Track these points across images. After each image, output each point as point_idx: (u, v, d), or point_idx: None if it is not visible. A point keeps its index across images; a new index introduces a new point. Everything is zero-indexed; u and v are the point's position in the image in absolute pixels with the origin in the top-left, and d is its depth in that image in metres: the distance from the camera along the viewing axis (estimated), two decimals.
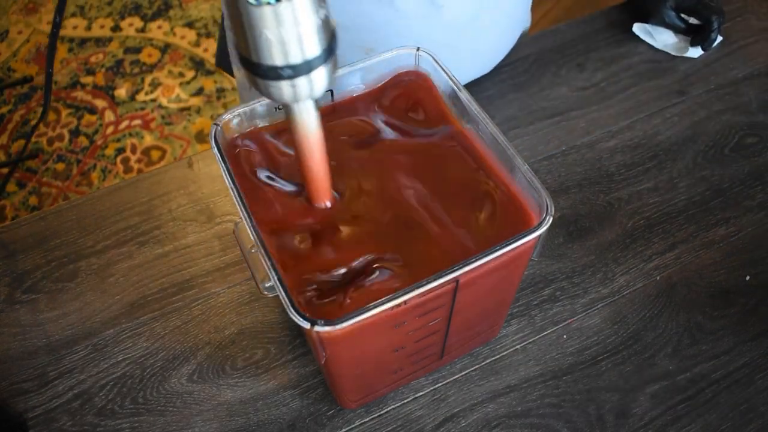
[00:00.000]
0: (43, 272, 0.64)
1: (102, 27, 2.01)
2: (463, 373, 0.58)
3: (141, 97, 1.84)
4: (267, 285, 0.41)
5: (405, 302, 0.39)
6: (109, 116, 1.81)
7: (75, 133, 1.78)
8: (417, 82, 0.52)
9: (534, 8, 0.79)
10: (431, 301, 0.42)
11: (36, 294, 0.62)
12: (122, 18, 2.03)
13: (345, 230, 0.44)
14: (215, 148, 0.45)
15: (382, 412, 0.56)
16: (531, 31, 0.84)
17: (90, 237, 0.66)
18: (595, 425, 0.55)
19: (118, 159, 1.72)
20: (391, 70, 0.52)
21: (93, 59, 1.93)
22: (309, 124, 0.40)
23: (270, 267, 0.39)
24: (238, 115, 0.47)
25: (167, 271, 0.63)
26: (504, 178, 0.46)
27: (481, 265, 0.40)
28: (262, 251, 0.40)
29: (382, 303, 0.38)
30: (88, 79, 1.89)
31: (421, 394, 0.57)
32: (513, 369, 0.58)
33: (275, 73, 0.34)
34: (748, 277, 0.63)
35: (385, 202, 0.46)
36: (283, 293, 0.38)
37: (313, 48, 0.34)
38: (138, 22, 2.01)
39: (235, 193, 0.43)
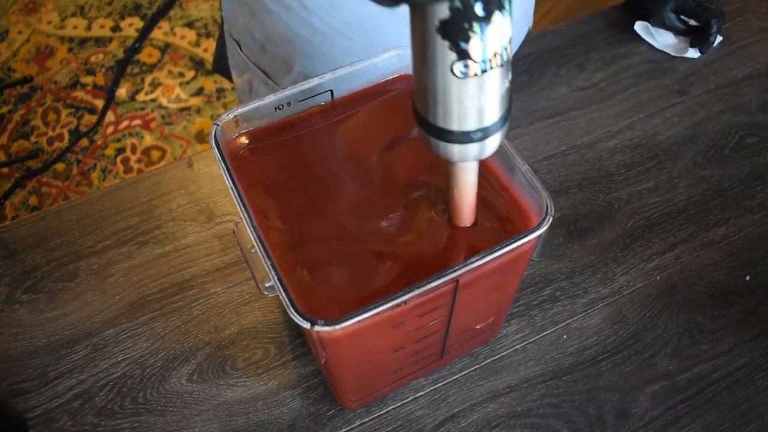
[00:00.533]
0: (43, 272, 0.64)
1: (102, 27, 2.01)
2: (463, 373, 0.58)
3: (141, 97, 1.84)
4: (267, 285, 0.41)
5: (405, 302, 0.39)
6: (109, 116, 1.81)
7: (75, 133, 1.78)
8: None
9: (534, 9, 0.79)
10: (431, 301, 0.42)
11: (36, 294, 0.62)
12: (122, 18, 2.03)
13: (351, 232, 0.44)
14: (215, 148, 0.45)
15: (382, 412, 0.56)
16: (531, 31, 0.84)
17: (90, 237, 0.66)
18: (595, 425, 0.55)
19: (118, 159, 1.72)
20: (393, 70, 0.52)
21: (93, 59, 1.93)
22: (470, 179, 0.41)
23: (270, 267, 0.39)
24: (239, 115, 0.47)
25: (167, 271, 0.63)
26: (504, 178, 0.46)
27: (481, 265, 0.39)
28: (262, 251, 0.40)
29: (382, 303, 0.38)
30: (88, 79, 1.89)
31: (421, 394, 0.57)
32: (513, 369, 0.58)
33: (455, 137, 0.35)
34: (748, 277, 0.63)
35: (386, 202, 0.46)
36: (283, 293, 0.38)
37: (495, 113, 0.35)
38: (138, 22, 2.01)
39: (235, 193, 0.43)
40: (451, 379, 0.57)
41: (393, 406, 0.56)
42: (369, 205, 0.46)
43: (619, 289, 0.62)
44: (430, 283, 0.38)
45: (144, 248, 0.65)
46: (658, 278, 0.63)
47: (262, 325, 0.60)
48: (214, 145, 0.45)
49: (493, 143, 0.36)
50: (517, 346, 0.59)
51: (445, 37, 0.31)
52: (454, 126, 0.35)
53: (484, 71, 0.32)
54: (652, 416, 0.55)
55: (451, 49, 0.31)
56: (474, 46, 0.31)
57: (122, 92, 1.85)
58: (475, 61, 0.31)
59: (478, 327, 0.54)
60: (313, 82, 0.48)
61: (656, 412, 0.55)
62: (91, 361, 0.59)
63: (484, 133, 0.35)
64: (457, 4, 0.29)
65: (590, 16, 0.84)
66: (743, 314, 0.60)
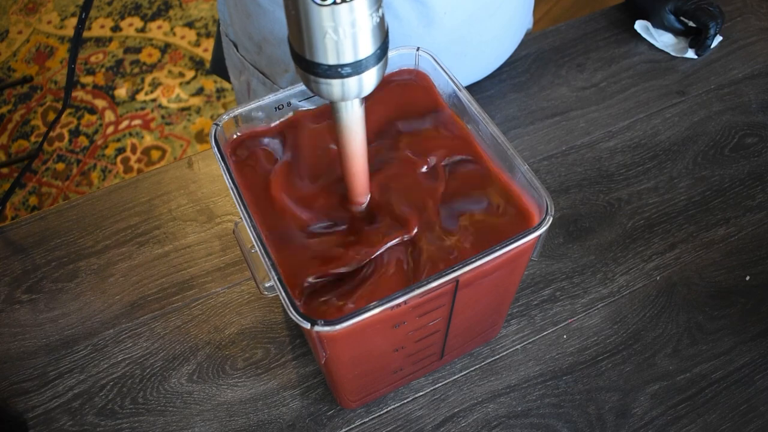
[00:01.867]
0: (43, 272, 0.64)
1: (102, 27, 2.01)
2: (463, 373, 0.58)
3: (141, 97, 1.84)
4: (267, 285, 0.41)
5: (405, 302, 0.39)
6: (109, 116, 1.81)
7: (75, 133, 1.78)
8: (417, 81, 0.52)
9: (534, 8, 0.79)
10: (431, 301, 0.42)
11: (36, 294, 0.62)
12: (122, 18, 2.03)
13: (352, 231, 0.44)
14: (215, 148, 0.45)
15: (382, 412, 0.56)
16: (531, 31, 0.84)
17: (90, 237, 0.66)
18: (595, 425, 0.55)
19: (118, 159, 1.72)
20: (393, 69, 0.52)
21: (93, 59, 1.93)
22: (354, 122, 0.40)
23: (270, 267, 0.39)
24: (239, 115, 0.47)
25: (167, 271, 0.63)
26: (504, 178, 0.46)
27: (481, 265, 0.39)
28: (262, 251, 0.40)
29: (382, 303, 0.38)
30: (88, 79, 1.89)
31: (421, 394, 0.57)
32: (513, 369, 0.58)
33: (331, 72, 0.35)
34: (748, 277, 0.63)
35: (387, 202, 0.46)
36: (283, 293, 0.38)
37: (367, 48, 0.34)
38: (138, 22, 2.01)
39: (235, 193, 0.43)
40: (451, 379, 0.57)
41: (393, 406, 0.56)
42: (369, 205, 0.46)
43: (619, 289, 0.62)
44: (430, 282, 0.38)
45: (144, 248, 0.65)
46: (658, 278, 0.63)
47: (262, 325, 0.60)
48: (214, 145, 0.45)
49: (370, 79, 0.36)
50: (517, 346, 0.59)
51: None
52: (330, 59, 0.34)
53: None
54: (652, 416, 0.55)
55: None
56: None
57: (122, 92, 1.85)
58: None
59: (478, 327, 0.54)
60: None
61: (656, 412, 0.55)
62: (91, 361, 0.59)
63: (360, 68, 0.34)
64: None
65: (590, 16, 0.84)
66: (743, 314, 0.60)
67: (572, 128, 0.73)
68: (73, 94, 1.86)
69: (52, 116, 1.81)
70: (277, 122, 0.49)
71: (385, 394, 0.56)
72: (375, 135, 0.49)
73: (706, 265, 0.63)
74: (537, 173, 0.69)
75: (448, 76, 0.49)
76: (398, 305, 0.39)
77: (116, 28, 2.00)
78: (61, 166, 1.71)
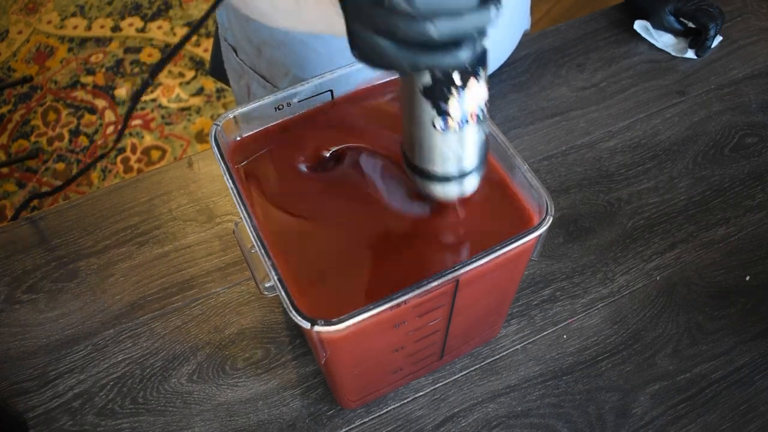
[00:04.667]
0: (43, 272, 0.64)
1: (102, 27, 2.01)
2: (463, 373, 0.58)
3: (141, 96, 1.84)
4: (267, 285, 0.41)
5: (405, 302, 0.39)
6: (109, 116, 1.81)
7: (75, 133, 1.78)
8: None
9: (534, 8, 0.79)
10: (431, 301, 0.42)
11: (36, 294, 0.62)
12: (122, 18, 2.03)
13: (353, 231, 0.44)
14: (215, 148, 0.45)
15: (382, 412, 0.56)
16: (531, 31, 0.84)
17: (90, 237, 0.66)
18: (595, 425, 0.55)
19: (118, 159, 1.72)
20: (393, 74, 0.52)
21: (93, 59, 1.93)
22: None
23: (270, 267, 0.39)
24: (239, 115, 0.47)
25: (167, 271, 0.63)
26: (504, 178, 0.46)
27: (481, 265, 0.39)
28: (262, 251, 0.40)
29: (382, 303, 0.38)
30: (88, 79, 1.89)
31: (421, 394, 0.57)
32: (513, 369, 0.58)
33: (436, 178, 0.41)
34: (748, 277, 0.63)
35: (387, 201, 0.46)
36: (283, 293, 0.38)
37: (473, 161, 0.41)
38: (138, 22, 2.01)
39: (235, 193, 0.43)
40: (451, 379, 0.57)
41: (393, 406, 0.56)
42: (370, 204, 0.46)
43: (619, 289, 0.62)
44: (430, 283, 0.38)
45: (144, 248, 0.65)
46: (658, 278, 0.63)
47: (262, 325, 0.60)
48: (214, 145, 0.45)
49: (472, 182, 0.42)
50: (517, 346, 0.59)
51: (427, 97, 0.36)
52: (437, 169, 0.40)
53: (461, 128, 0.37)
54: (652, 416, 0.55)
55: (432, 107, 0.36)
56: (453, 106, 0.36)
57: (122, 92, 1.85)
58: (454, 119, 0.37)
59: (478, 327, 0.54)
60: (313, 82, 0.48)
61: (656, 412, 0.55)
62: (91, 361, 0.59)
63: (464, 176, 0.41)
64: (438, 74, 0.35)
65: (590, 16, 0.84)
66: (743, 314, 0.60)
67: (572, 128, 0.73)
68: (73, 93, 1.86)
69: (52, 116, 1.81)
70: (278, 122, 0.49)
71: (385, 394, 0.56)
72: (376, 135, 0.49)
73: (706, 265, 0.63)
74: (537, 173, 0.69)
75: None
76: (398, 305, 0.39)
77: (116, 28, 2.00)
78: (61, 166, 1.71)
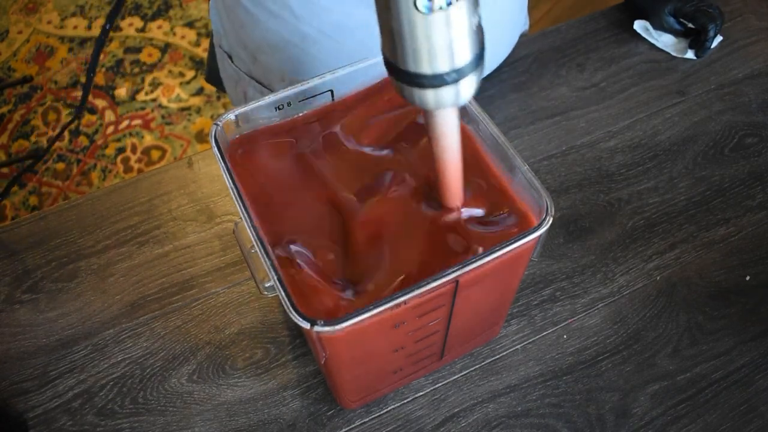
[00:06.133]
0: (43, 272, 0.64)
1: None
2: (463, 373, 0.58)
3: (141, 96, 1.84)
4: (267, 285, 0.41)
5: (405, 302, 0.39)
6: (110, 116, 1.81)
7: (75, 132, 1.78)
8: None
9: (534, 8, 0.80)
10: (431, 301, 0.42)
11: (36, 294, 0.62)
12: (122, 18, 2.03)
13: (356, 232, 0.44)
14: (215, 148, 0.45)
15: (382, 412, 0.56)
16: (531, 31, 0.84)
17: (90, 237, 0.66)
18: (595, 425, 0.55)
19: (118, 159, 1.72)
20: None
21: None
22: (450, 130, 0.39)
23: (270, 267, 0.39)
24: (239, 115, 0.47)
25: (167, 271, 0.63)
26: (504, 178, 0.46)
27: (481, 265, 0.39)
28: (262, 251, 0.40)
29: (382, 303, 0.38)
30: None
31: (421, 394, 0.57)
32: (513, 369, 0.58)
33: (428, 81, 0.34)
34: (748, 277, 0.63)
35: (389, 202, 0.46)
36: (283, 293, 0.38)
37: (465, 55, 0.33)
38: (138, 22, 2.01)
39: (235, 193, 0.43)
40: (451, 379, 0.57)
41: (393, 406, 0.56)
42: (370, 204, 0.46)
43: (619, 289, 0.62)
44: (429, 283, 0.38)
45: (144, 248, 0.65)
46: (658, 278, 0.63)
47: (262, 325, 0.60)
48: (214, 145, 0.45)
49: (468, 86, 0.35)
50: (517, 346, 0.59)
51: None
52: (425, 68, 0.33)
53: (449, 4, 0.31)
54: (652, 416, 0.55)
55: None
56: None
57: (122, 92, 1.85)
58: None
59: (478, 327, 0.54)
60: (313, 82, 0.48)
61: (656, 412, 0.55)
62: (91, 361, 0.59)
63: (458, 75, 0.34)
64: None
65: (590, 16, 0.84)
66: (743, 314, 0.60)
67: (572, 128, 0.73)
68: (73, 93, 1.86)
69: (52, 116, 1.81)
70: (278, 122, 0.49)
71: (385, 394, 0.56)
72: (376, 135, 0.49)
73: (706, 265, 0.63)
74: (537, 173, 0.69)
75: None
76: (398, 305, 0.39)
77: (116, 28, 2.00)
78: (61, 165, 1.71)
